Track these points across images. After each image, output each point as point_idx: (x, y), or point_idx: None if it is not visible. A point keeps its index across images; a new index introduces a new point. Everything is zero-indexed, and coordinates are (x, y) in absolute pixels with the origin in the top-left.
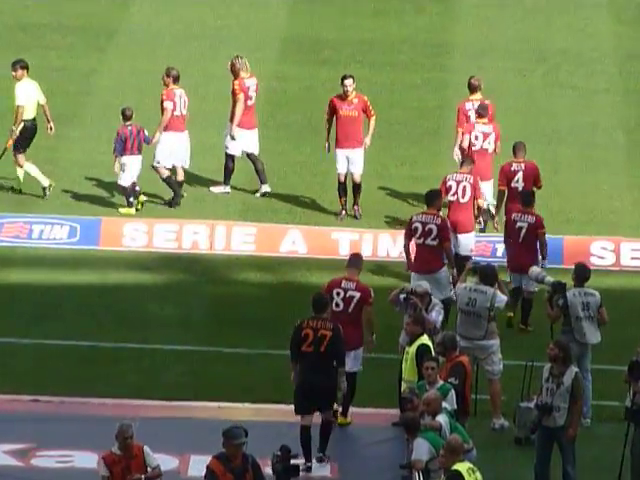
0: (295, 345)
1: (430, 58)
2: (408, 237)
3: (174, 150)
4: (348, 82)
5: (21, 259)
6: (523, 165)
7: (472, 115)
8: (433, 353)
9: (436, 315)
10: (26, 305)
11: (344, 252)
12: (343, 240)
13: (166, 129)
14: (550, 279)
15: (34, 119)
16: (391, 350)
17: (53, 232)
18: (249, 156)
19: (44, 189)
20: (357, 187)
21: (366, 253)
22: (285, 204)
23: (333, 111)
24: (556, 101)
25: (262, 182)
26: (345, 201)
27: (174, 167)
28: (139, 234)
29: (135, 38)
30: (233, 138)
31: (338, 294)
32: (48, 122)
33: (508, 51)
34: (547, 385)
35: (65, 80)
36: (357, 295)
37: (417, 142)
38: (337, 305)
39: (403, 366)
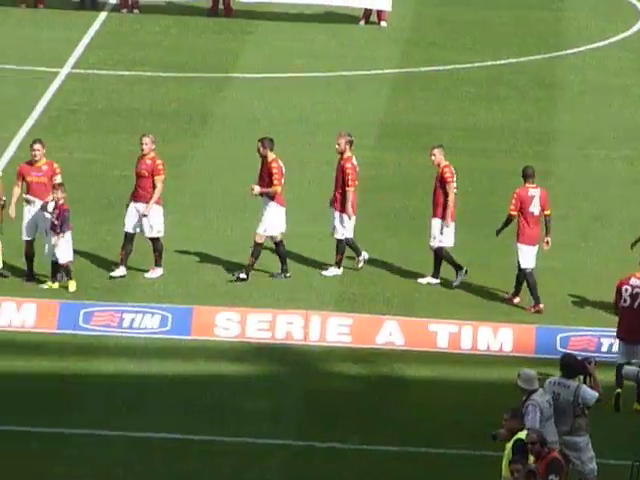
0: None
1: (532, 146)
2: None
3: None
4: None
5: (111, 349)
6: (539, 190)
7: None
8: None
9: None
10: (117, 396)
11: (442, 344)
12: (441, 332)
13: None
14: None
15: None
16: None
17: (144, 321)
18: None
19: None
20: None
21: (465, 346)
22: (381, 294)
23: None
24: None
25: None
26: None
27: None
28: (232, 324)
29: (229, 123)
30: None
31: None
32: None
33: (615, 139)
34: None
35: None
36: None
37: None
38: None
39: (503, 462)
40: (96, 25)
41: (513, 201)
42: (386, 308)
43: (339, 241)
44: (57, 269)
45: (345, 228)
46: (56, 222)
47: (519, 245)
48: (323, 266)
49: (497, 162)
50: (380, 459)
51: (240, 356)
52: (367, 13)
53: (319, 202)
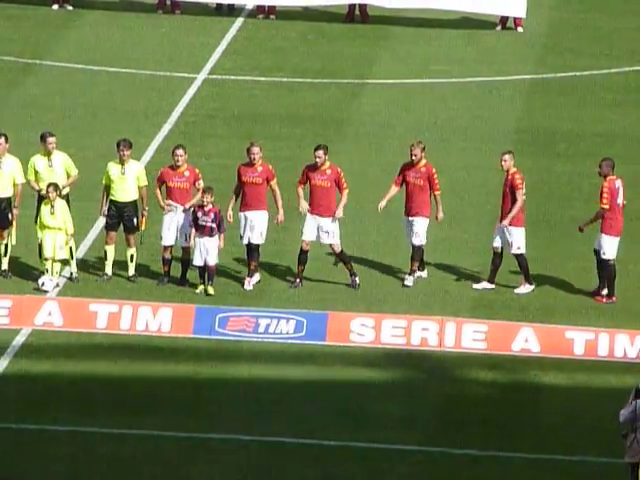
0: None
1: None
2: None
3: None
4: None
5: (247, 353)
6: (620, 181)
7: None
8: None
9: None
10: (251, 401)
11: (579, 352)
12: (578, 339)
13: None
14: None
15: None
16: None
17: (279, 326)
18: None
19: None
20: None
21: (601, 353)
22: (517, 301)
23: None
24: None
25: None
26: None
27: None
28: (366, 329)
29: (364, 129)
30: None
31: None
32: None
33: None
34: None
35: (292, 171)
36: None
37: None
38: None
39: None
40: (233, 31)
41: (605, 195)
42: (522, 315)
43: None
44: (205, 272)
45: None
46: (213, 225)
47: (605, 236)
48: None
49: (636, 168)
50: (516, 466)
51: (375, 362)
52: (504, 19)
53: (455, 208)
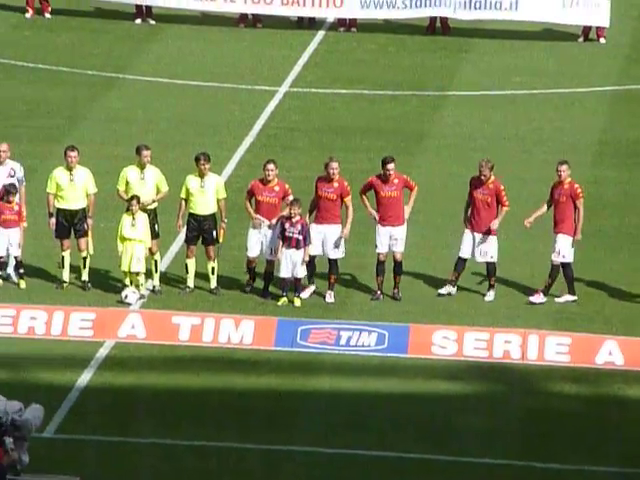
0: None
1: None
2: None
3: None
4: None
5: (328, 366)
6: None
7: None
8: None
9: None
10: (332, 413)
11: None
12: None
13: None
14: None
15: None
16: None
17: (361, 339)
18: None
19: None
20: None
21: None
22: (600, 313)
23: None
24: None
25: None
26: None
27: None
28: (449, 342)
29: (445, 141)
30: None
31: None
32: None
33: None
34: None
35: None
36: None
37: None
38: None
39: None
40: (314, 44)
41: None
42: (605, 327)
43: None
44: (288, 284)
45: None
46: (299, 237)
47: None
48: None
49: None
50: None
51: (457, 375)
52: (586, 30)
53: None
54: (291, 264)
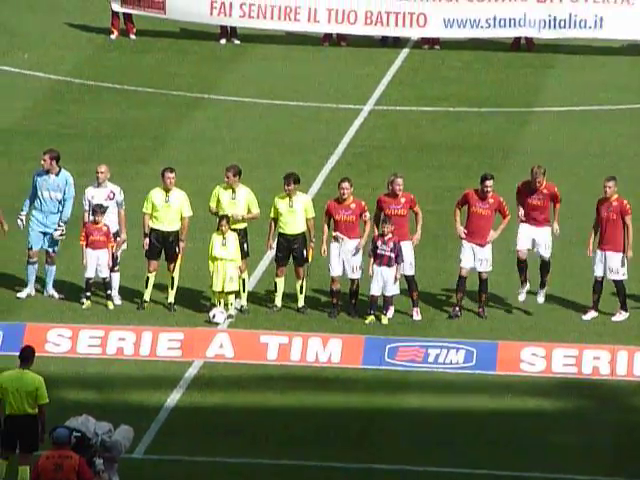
0: None
1: None
2: None
3: None
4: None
5: (416, 384)
6: None
7: None
8: None
9: None
10: (421, 431)
11: None
12: None
13: None
14: None
15: None
16: None
17: (449, 356)
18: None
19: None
20: None
21: None
22: None
23: None
24: None
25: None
26: None
27: None
28: (537, 359)
29: (530, 157)
30: None
31: None
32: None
33: None
34: None
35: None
36: None
37: None
38: None
39: None
40: (398, 61)
41: None
42: None
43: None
44: (375, 302)
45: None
46: (391, 255)
47: None
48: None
49: None
50: None
51: (546, 391)
52: None
53: None
54: (382, 281)
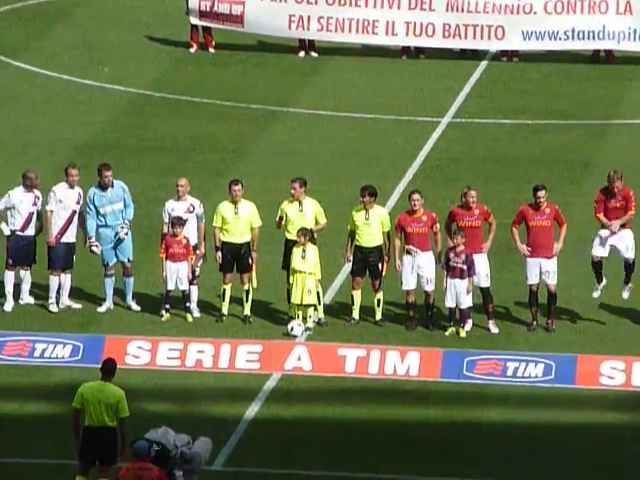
0: None
1: None
2: None
3: None
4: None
5: (494, 397)
6: None
7: None
8: None
9: None
10: (500, 445)
11: None
12: None
13: None
14: None
15: None
16: None
17: (528, 370)
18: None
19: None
20: None
21: None
22: None
23: None
24: None
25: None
26: None
27: None
28: (617, 372)
29: (611, 169)
30: None
31: None
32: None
33: None
34: None
35: None
36: None
37: None
38: None
39: None
40: (476, 74)
41: None
42: None
43: None
44: (453, 314)
45: None
46: (463, 267)
47: None
48: None
49: None
50: None
51: (626, 404)
52: None
53: None
54: (455, 293)
